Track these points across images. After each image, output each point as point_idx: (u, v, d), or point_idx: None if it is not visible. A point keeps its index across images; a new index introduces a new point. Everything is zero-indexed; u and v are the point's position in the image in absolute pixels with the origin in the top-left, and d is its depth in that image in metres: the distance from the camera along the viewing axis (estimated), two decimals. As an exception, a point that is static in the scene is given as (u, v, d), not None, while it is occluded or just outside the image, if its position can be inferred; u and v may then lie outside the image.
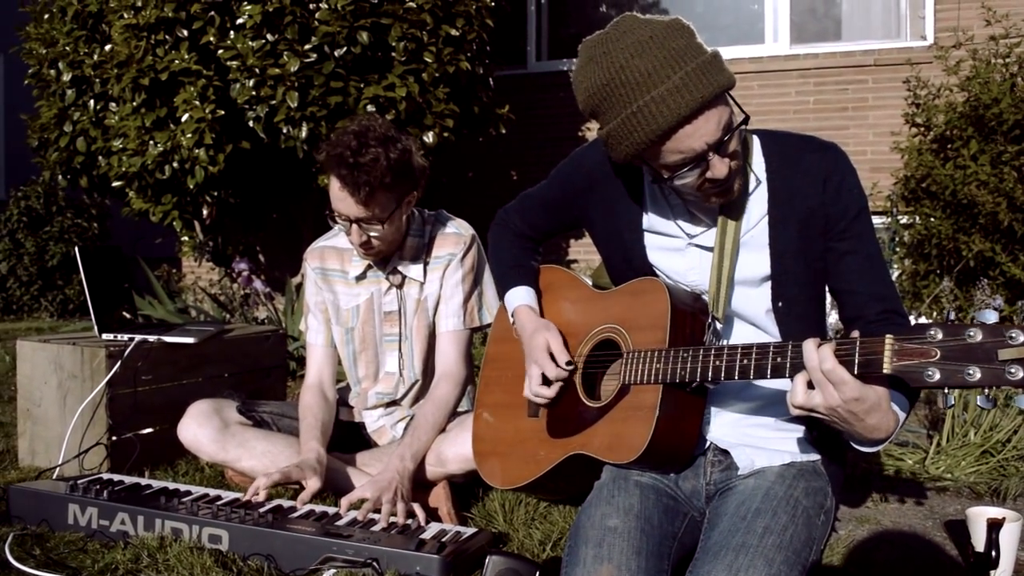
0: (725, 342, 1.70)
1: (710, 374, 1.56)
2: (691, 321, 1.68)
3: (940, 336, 1.26)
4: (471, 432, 2.23)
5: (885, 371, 1.30)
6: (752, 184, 1.68)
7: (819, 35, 6.54)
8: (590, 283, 1.98)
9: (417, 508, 2.14)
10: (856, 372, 1.33)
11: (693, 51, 1.49)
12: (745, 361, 1.51)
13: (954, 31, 5.54)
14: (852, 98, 6.16)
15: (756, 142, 1.72)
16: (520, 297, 2.03)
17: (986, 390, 1.26)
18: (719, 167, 1.53)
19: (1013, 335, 1.20)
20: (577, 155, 1.92)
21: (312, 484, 2.21)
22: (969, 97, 5.10)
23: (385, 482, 2.19)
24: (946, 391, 1.32)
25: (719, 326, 1.68)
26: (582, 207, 1.91)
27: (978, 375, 1.22)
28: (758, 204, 1.69)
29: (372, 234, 2.36)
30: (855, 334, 1.36)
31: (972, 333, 1.23)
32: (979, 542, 1.99)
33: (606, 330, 1.83)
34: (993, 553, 1.93)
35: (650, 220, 1.78)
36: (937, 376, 1.25)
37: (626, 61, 1.48)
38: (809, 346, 1.38)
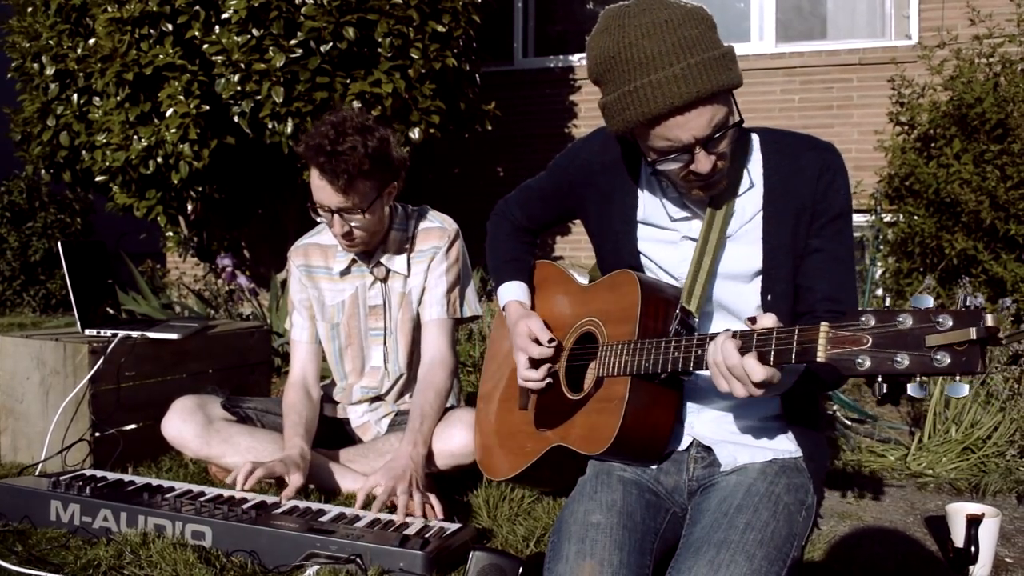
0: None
1: (670, 365, 1.57)
2: (661, 313, 1.70)
3: (872, 323, 1.20)
4: (457, 428, 2.23)
5: (819, 359, 1.26)
6: (745, 186, 1.69)
7: (805, 34, 6.56)
8: (577, 277, 2.00)
9: (434, 499, 2.12)
10: (794, 360, 1.33)
11: (704, 43, 1.49)
12: (699, 351, 1.52)
13: (938, 31, 5.57)
14: (837, 96, 6.19)
15: (755, 139, 1.74)
16: (512, 292, 2.06)
17: (918, 378, 1.17)
18: (703, 162, 1.54)
19: (941, 320, 1.14)
20: (575, 146, 1.94)
21: (295, 480, 2.20)
22: (953, 96, 5.13)
23: (399, 470, 2.15)
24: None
25: (695, 320, 1.68)
26: (578, 198, 1.92)
27: (906, 362, 1.16)
28: (753, 200, 1.70)
29: (353, 224, 2.36)
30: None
31: (903, 319, 1.17)
32: (959, 538, 2.01)
33: (586, 324, 1.85)
34: (972, 549, 1.95)
35: (645, 212, 1.79)
36: (868, 364, 1.19)
37: (635, 39, 1.49)
38: (720, 340, 1.42)
